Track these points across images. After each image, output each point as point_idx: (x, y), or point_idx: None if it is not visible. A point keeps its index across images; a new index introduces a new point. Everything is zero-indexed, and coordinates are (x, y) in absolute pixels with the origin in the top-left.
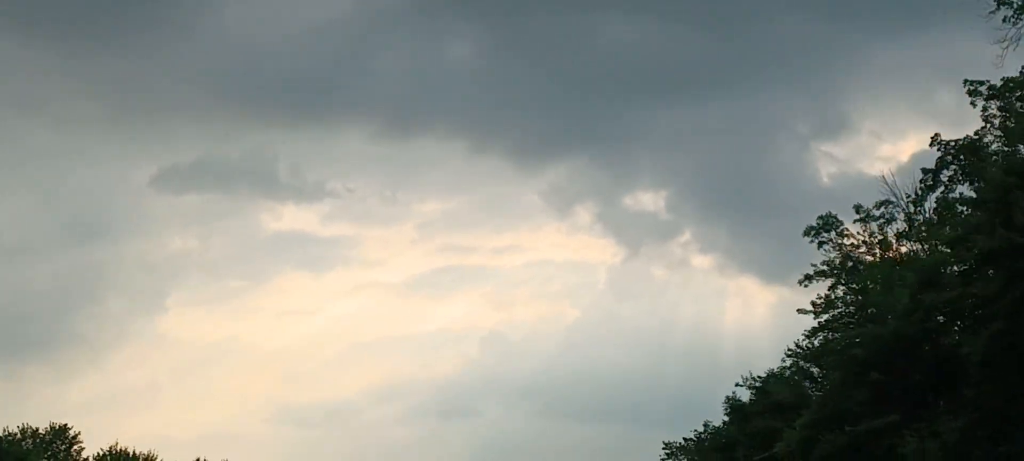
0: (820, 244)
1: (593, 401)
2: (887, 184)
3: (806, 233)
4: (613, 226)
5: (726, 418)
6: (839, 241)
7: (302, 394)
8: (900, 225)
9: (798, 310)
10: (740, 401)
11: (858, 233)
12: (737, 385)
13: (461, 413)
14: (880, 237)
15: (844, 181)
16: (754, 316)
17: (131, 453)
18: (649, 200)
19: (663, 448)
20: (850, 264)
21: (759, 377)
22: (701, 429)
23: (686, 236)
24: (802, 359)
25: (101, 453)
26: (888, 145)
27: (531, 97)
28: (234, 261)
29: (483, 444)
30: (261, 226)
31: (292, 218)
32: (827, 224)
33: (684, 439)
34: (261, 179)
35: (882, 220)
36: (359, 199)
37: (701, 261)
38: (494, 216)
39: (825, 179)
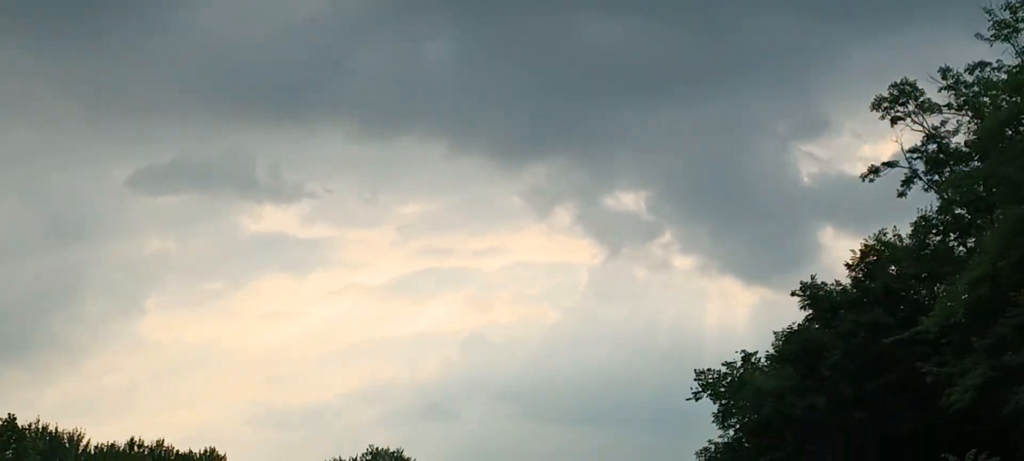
0: (894, 121)
1: (574, 404)
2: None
3: (875, 105)
4: (594, 227)
5: (803, 321)
6: (921, 117)
7: (283, 396)
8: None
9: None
10: (824, 286)
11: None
12: (795, 294)
13: (442, 416)
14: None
15: (824, 182)
16: (735, 317)
17: (54, 431)
18: (630, 201)
19: (694, 379)
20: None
21: (824, 283)
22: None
23: (667, 237)
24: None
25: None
26: (869, 145)
27: (511, 96)
28: (213, 263)
29: (465, 447)
30: (240, 227)
31: (272, 220)
32: (903, 94)
33: (725, 365)
34: (239, 180)
35: (977, 86)
36: (339, 201)
37: (682, 262)
38: (475, 218)
39: (806, 179)
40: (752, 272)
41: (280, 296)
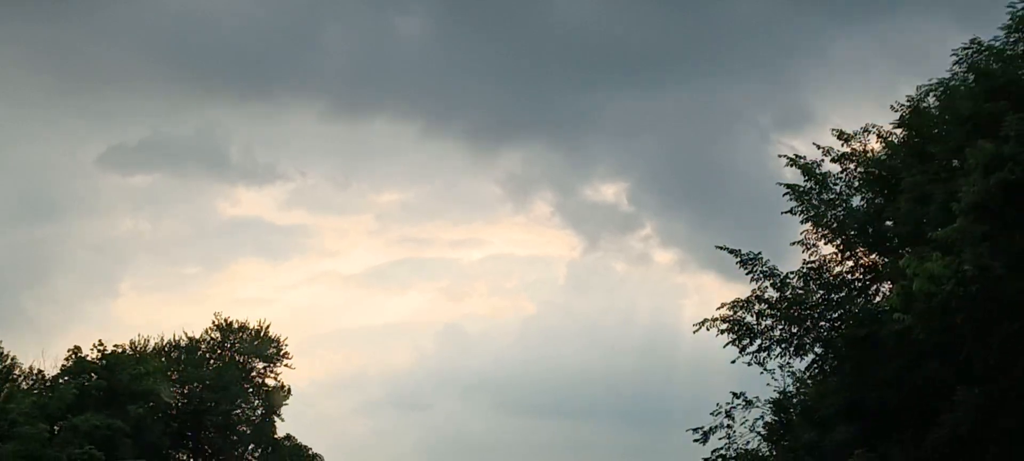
0: None
1: (549, 397)
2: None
3: None
4: (572, 217)
5: None
6: None
7: None
8: None
9: None
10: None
11: None
12: None
13: (416, 407)
14: None
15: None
16: (713, 313)
17: None
18: (610, 192)
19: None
20: None
21: None
22: None
23: (648, 229)
24: None
25: None
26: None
27: (486, 76)
28: (187, 246)
29: (438, 438)
30: (215, 210)
31: (247, 203)
32: None
33: None
34: (211, 160)
35: None
36: (314, 185)
37: (663, 256)
38: (452, 207)
39: (787, 175)
40: (731, 268)
41: (255, 282)
